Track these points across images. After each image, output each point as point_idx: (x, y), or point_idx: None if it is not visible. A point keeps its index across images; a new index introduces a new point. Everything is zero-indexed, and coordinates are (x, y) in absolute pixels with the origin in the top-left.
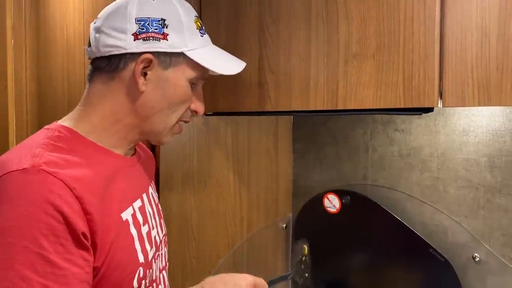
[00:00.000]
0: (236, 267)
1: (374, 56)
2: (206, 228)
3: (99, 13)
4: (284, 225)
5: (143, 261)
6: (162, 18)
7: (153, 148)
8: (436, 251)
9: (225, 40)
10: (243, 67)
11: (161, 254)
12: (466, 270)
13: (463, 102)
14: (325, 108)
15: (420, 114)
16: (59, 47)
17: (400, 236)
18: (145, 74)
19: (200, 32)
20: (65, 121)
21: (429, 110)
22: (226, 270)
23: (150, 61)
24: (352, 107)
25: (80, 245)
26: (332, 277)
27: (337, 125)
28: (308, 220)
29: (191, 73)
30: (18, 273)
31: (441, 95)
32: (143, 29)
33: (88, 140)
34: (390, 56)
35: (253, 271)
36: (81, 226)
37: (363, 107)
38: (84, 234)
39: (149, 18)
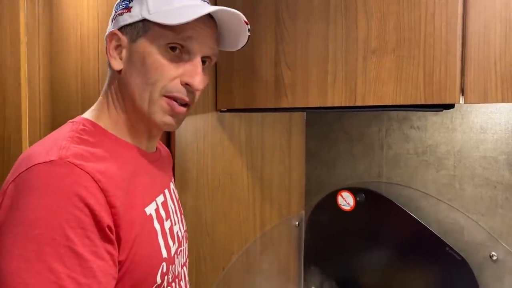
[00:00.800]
0: (249, 264)
1: (394, 51)
2: (219, 225)
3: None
4: (297, 223)
5: (166, 256)
6: None
7: (168, 144)
8: (452, 249)
9: None
10: (215, 9)
11: (183, 250)
12: (483, 269)
13: (485, 98)
14: (343, 105)
15: (441, 111)
16: (72, 45)
17: (415, 234)
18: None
19: None
20: (88, 114)
21: (450, 106)
22: (239, 267)
23: (118, 38)
24: (371, 104)
25: (105, 238)
26: (346, 275)
27: (352, 122)
28: (322, 218)
29: (160, 38)
30: (46, 264)
31: (462, 91)
32: (115, 11)
33: (110, 133)
34: (410, 52)
35: (266, 269)
36: (106, 219)
37: (382, 103)
38: (109, 227)
39: (122, 0)
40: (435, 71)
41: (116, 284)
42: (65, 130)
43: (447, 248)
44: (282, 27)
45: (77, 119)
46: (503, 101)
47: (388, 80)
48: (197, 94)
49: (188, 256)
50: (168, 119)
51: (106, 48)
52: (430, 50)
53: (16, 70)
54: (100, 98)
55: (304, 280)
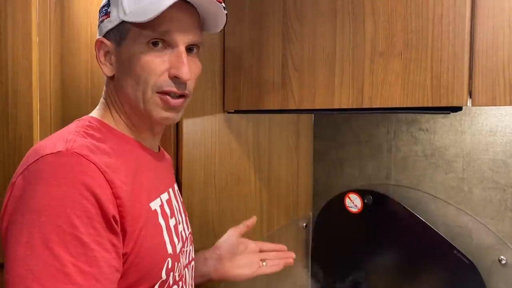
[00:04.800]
0: None
1: (401, 54)
2: (227, 226)
3: None
4: (304, 224)
5: (171, 252)
6: (108, 1)
7: (176, 145)
8: (460, 253)
9: (248, 37)
10: None
11: (186, 251)
12: (491, 273)
13: (493, 101)
14: (350, 107)
15: (448, 113)
16: (83, 45)
17: (423, 237)
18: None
19: None
20: (94, 113)
21: (458, 109)
22: None
23: (104, 45)
24: (378, 106)
25: (110, 229)
26: (352, 278)
27: (360, 124)
28: (329, 220)
29: (139, 37)
30: (52, 252)
31: (470, 94)
32: (99, 18)
33: (116, 130)
34: (418, 54)
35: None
36: (111, 209)
37: (389, 106)
38: (114, 218)
39: (102, 6)
40: (443, 74)
41: (121, 277)
42: (72, 126)
43: (455, 252)
44: (290, 29)
45: (83, 117)
46: (511, 104)
47: (395, 83)
48: (190, 83)
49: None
50: (166, 114)
51: (96, 56)
52: (438, 53)
53: (28, 70)
54: (102, 100)
55: (311, 282)
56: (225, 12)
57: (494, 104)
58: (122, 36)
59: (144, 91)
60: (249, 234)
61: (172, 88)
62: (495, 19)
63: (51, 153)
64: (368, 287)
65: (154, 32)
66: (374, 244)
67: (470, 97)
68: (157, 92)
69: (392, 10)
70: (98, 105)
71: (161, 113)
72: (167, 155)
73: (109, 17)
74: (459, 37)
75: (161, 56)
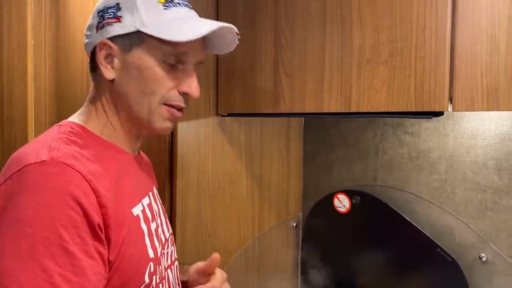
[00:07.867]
0: (247, 264)
1: (387, 62)
2: (219, 226)
3: None
4: (295, 224)
5: (153, 256)
6: (116, 3)
7: (171, 147)
8: (443, 251)
9: (241, 43)
10: (217, 26)
11: (167, 252)
12: (473, 270)
13: (472, 107)
14: (338, 111)
15: (431, 118)
16: (78, 48)
17: (408, 236)
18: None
19: (164, 6)
20: (75, 118)
21: (439, 114)
22: (238, 267)
23: (108, 47)
24: (364, 110)
25: (96, 237)
26: (340, 276)
27: (348, 127)
28: (318, 220)
29: (156, 51)
30: (39, 263)
31: (451, 100)
32: (101, 18)
33: (98, 136)
34: (402, 62)
35: (264, 268)
36: (96, 218)
37: (375, 110)
38: (99, 226)
39: (105, 6)
40: (425, 81)
41: (106, 283)
42: (53, 132)
43: (439, 250)
44: (281, 36)
45: (63, 122)
46: (488, 109)
47: (381, 89)
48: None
49: (190, 256)
50: (168, 124)
51: (96, 57)
52: (421, 61)
53: (23, 72)
54: (87, 104)
55: (301, 279)
56: (237, 42)
57: (473, 109)
58: (133, 44)
59: (151, 102)
60: (241, 235)
61: (181, 103)
62: (474, 31)
63: (35, 163)
64: (355, 283)
65: (174, 51)
66: (362, 242)
67: (451, 103)
68: (164, 104)
69: (378, 20)
70: (82, 109)
71: (164, 124)
72: (145, 158)
73: (119, 21)
74: (440, 46)
75: (173, 72)
